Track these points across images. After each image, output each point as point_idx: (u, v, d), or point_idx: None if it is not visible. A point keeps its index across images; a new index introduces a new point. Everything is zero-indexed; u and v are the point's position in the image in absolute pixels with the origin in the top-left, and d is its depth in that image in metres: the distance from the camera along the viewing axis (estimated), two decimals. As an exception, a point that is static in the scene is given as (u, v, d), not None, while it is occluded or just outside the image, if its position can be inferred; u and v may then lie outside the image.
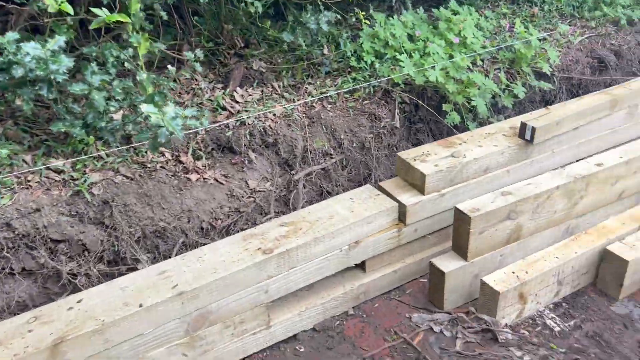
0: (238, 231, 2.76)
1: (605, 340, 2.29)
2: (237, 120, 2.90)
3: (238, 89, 3.16)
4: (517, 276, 2.35)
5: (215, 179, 2.80)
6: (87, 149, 2.55)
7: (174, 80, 2.65)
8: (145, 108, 1.90)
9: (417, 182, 2.58)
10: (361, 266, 2.60)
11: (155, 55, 2.85)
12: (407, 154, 2.68)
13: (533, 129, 2.67)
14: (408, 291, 2.67)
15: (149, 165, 2.65)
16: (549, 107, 3.03)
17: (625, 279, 2.45)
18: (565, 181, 2.53)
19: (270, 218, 2.80)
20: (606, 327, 2.36)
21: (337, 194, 3.11)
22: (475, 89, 3.09)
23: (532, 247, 2.60)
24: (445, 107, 3.19)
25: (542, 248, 2.58)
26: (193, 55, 2.35)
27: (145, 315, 2.01)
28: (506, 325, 2.39)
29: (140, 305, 2.00)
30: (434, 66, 3.03)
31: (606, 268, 2.52)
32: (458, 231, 2.44)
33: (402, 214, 2.55)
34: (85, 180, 2.44)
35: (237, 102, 3.08)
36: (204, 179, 2.77)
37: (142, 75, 2.18)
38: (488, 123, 3.46)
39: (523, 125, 2.72)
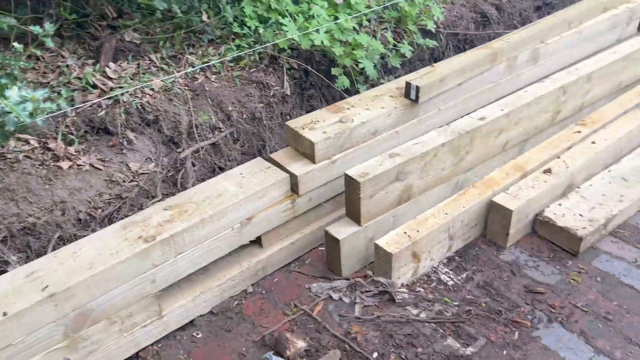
0: (122, 219, 2.58)
1: (494, 289, 2.39)
2: (109, 98, 2.66)
3: (111, 64, 2.90)
4: (409, 236, 2.37)
5: (91, 165, 2.57)
6: None
7: (30, 58, 2.35)
8: (-22, 96, 1.66)
9: (307, 151, 2.51)
10: (257, 242, 2.52)
11: (10, 31, 2.54)
12: (296, 123, 2.59)
13: (417, 88, 2.67)
14: (307, 261, 2.63)
15: (9, 156, 2.37)
16: (434, 64, 3.05)
17: (511, 227, 2.56)
18: (451, 137, 2.57)
19: (158, 201, 2.63)
20: (495, 275, 2.46)
21: (230, 169, 2.98)
22: (362, 50, 3.05)
23: (424, 205, 2.64)
24: (334, 71, 3.13)
25: (433, 205, 2.63)
26: (41, 30, 2.09)
27: (12, 324, 1.81)
28: (402, 285, 2.43)
29: (5, 314, 1.80)
30: (318, 29, 2.94)
31: (493, 219, 2.62)
32: (350, 197, 2.41)
33: (294, 185, 2.48)
34: None
35: (109, 78, 2.82)
36: (78, 165, 2.53)
37: (-19, 56, 1.90)
38: (379, 85, 3.45)
39: (408, 85, 2.71)
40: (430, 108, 2.87)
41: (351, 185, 2.36)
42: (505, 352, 2.09)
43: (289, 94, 3.14)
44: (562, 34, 3.49)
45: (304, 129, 2.54)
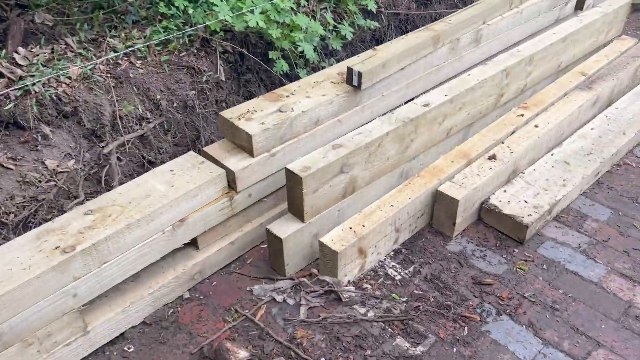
0: (40, 223, 2.32)
1: (442, 282, 2.32)
2: (18, 89, 2.37)
3: (20, 49, 2.58)
4: (355, 231, 2.26)
5: (0, 164, 2.28)
6: None
7: None
8: None
9: (244, 144, 2.33)
10: (193, 243, 2.34)
11: None
12: (231, 113, 2.40)
13: (359, 74, 2.54)
14: (249, 261, 2.47)
15: None
16: (376, 47, 2.91)
17: (457, 216, 2.50)
18: (395, 126, 2.45)
19: (80, 203, 2.38)
20: (443, 267, 2.40)
21: (162, 163, 2.75)
22: (301, 32, 2.87)
23: (370, 196, 2.53)
24: (271, 54, 2.94)
25: (379, 196, 2.53)
26: None
27: None
28: (349, 282, 2.32)
29: None
30: (252, 10, 2.73)
31: (439, 208, 2.55)
32: (292, 192, 2.26)
33: (231, 181, 2.30)
34: None
35: (18, 65, 2.51)
36: (-16, 166, 2.24)
37: None
38: (321, 69, 3.29)
39: (350, 71, 2.57)
40: (373, 94, 2.74)
41: (293, 180, 2.21)
42: (455, 349, 2.03)
43: (223, 79, 2.93)
44: (504, 14, 3.44)
45: (240, 119, 2.35)
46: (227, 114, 2.39)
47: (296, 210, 2.30)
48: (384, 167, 2.51)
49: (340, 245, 2.19)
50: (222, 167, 2.29)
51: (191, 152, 2.38)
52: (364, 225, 2.29)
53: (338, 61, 3.36)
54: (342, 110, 2.62)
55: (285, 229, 2.28)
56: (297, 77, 3.08)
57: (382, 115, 2.57)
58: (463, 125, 2.87)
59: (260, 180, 2.40)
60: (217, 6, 2.68)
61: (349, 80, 2.60)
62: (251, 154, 2.33)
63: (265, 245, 2.54)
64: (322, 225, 2.38)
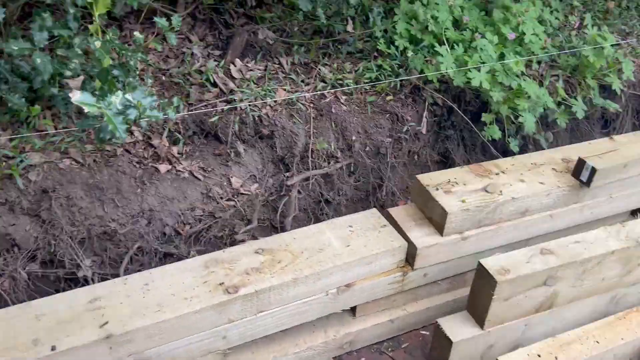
0: (210, 240, 2.29)
1: None
2: (226, 103, 2.36)
3: (237, 61, 2.60)
4: (544, 361, 1.85)
5: (191, 172, 2.29)
6: (32, 120, 2.04)
7: (144, 51, 2.08)
8: (76, 97, 1.37)
9: (435, 218, 2.05)
10: (351, 309, 2.11)
11: (141, 6, 2.30)
12: (429, 179, 2.13)
13: (593, 170, 2.10)
14: (404, 345, 2.18)
15: (108, 148, 2.14)
16: (612, 137, 2.44)
17: (678, 378, 1.94)
18: (625, 245, 1.98)
19: (251, 231, 2.30)
20: None
21: (338, 204, 2.59)
22: (525, 100, 2.49)
23: (566, 317, 2.09)
24: (484, 117, 2.61)
25: (577, 319, 2.07)
26: (167, 24, 1.80)
27: (58, 361, 1.55)
28: (519, 416, 1.91)
29: (53, 349, 1.54)
30: (479, 67, 2.43)
31: (656, 360, 2.01)
32: (478, 292, 1.92)
33: (410, 256, 2.04)
34: (21, 161, 1.94)
35: (232, 78, 2.52)
36: (177, 171, 2.26)
37: (95, 43, 1.64)
38: (532, 140, 2.88)
39: (580, 163, 2.14)
40: (599, 194, 2.28)
41: (484, 279, 1.87)
42: None
43: (424, 132, 2.67)
44: None
45: (437, 189, 2.07)
46: (424, 179, 2.13)
47: (476, 312, 1.95)
48: (594, 288, 2.05)
49: (522, 375, 1.80)
50: (405, 238, 2.03)
51: (374, 210, 2.15)
52: (556, 358, 1.86)
53: (555, 136, 2.92)
54: (557, 204, 2.20)
55: (458, 331, 1.94)
56: (503, 145, 2.71)
57: (609, 225, 2.10)
58: None
59: (442, 262, 2.10)
60: (442, 56, 2.43)
61: (576, 173, 2.17)
62: (440, 231, 2.04)
63: (425, 332, 2.23)
64: (501, 337, 2.00)
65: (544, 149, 2.60)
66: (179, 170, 2.26)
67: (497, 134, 2.57)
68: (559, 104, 2.74)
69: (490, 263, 1.87)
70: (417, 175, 2.15)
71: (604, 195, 2.30)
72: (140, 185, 2.14)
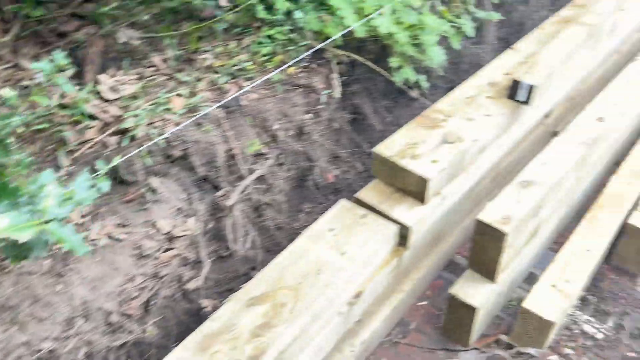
0: (164, 307, 1.84)
1: (656, 338, 1.94)
2: (120, 133, 1.84)
3: (102, 77, 2.03)
4: (561, 290, 1.84)
5: (108, 235, 1.78)
6: None
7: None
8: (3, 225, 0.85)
9: (412, 189, 1.86)
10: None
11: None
12: (387, 149, 1.91)
13: (531, 88, 2.07)
14: (412, 326, 2.04)
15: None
16: (514, 46, 2.46)
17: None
18: (582, 153, 2.02)
19: (206, 277, 1.90)
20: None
21: (280, 205, 2.27)
22: (431, 35, 2.37)
23: (546, 236, 2.11)
24: (392, 61, 2.43)
25: (555, 230, 2.12)
26: (50, 65, 1.22)
27: None
28: (548, 348, 1.91)
29: None
30: (379, 10, 2.22)
31: (629, 243, 2.14)
32: (484, 247, 1.81)
33: (402, 237, 1.84)
34: None
35: (106, 101, 1.98)
36: (91, 240, 1.73)
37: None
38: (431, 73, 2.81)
39: (516, 84, 2.10)
40: (529, 107, 2.29)
41: (488, 234, 1.77)
42: None
43: (339, 95, 2.43)
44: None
45: (404, 157, 1.88)
46: (384, 151, 1.91)
47: (484, 269, 1.86)
48: (568, 205, 2.09)
49: (553, 315, 1.77)
50: (391, 219, 1.82)
51: (344, 202, 1.89)
52: (567, 281, 1.87)
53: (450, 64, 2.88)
54: (502, 131, 2.16)
55: (475, 293, 1.84)
56: (418, 86, 2.60)
57: (558, 136, 2.13)
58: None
59: (427, 230, 1.95)
60: (342, 9, 2.16)
61: (512, 95, 2.13)
62: (422, 200, 1.87)
63: (422, 302, 2.11)
64: (507, 281, 1.95)
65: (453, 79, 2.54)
66: (93, 239, 1.74)
67: (411, 75, 2.43)
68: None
69: (490, 216, 1.76)
70: (373, 149, 1.92)
71: (533, 107, 2.32)
72: (57, 280, 1.59)
